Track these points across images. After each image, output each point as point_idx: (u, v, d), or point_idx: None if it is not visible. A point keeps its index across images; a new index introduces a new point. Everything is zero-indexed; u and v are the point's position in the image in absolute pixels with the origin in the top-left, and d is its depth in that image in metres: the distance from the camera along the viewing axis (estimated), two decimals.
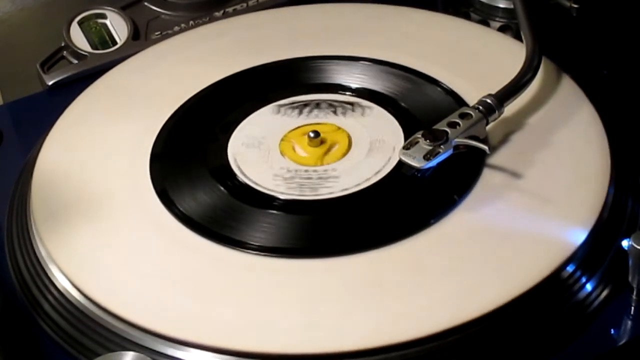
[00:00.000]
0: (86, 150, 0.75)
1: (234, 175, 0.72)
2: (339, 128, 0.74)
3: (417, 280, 0.64)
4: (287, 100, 0.76)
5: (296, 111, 0.76)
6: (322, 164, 0.72)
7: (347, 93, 0.77)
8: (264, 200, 0.70)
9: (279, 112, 0.76)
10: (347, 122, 0.75)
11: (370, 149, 0.72)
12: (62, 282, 0.67)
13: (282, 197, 0.69)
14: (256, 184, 0.70)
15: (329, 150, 0.73)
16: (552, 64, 0.77)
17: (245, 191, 0.70)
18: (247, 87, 0.79)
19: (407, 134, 0.73)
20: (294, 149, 0.73)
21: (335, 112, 0.75)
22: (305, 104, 0.76)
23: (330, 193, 0.69)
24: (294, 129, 0.74)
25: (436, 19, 0.84)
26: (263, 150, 0.73)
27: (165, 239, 0.68)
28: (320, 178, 0.71)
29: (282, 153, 0.73)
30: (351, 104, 0.76)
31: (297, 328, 0.62)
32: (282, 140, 0.74)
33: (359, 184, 0.70)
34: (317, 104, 0.76)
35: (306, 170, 0.71)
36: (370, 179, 0.70)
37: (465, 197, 0.68)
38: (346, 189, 0.70)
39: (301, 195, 0.69)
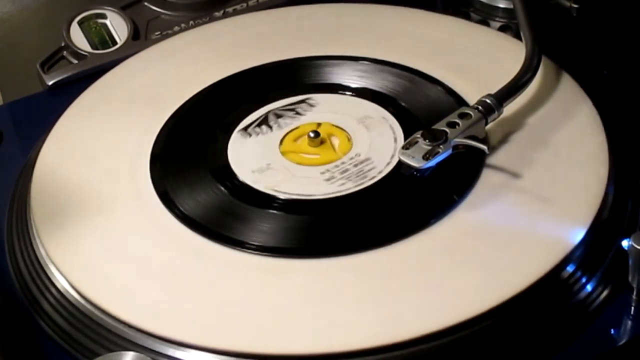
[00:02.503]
0: (86, 151, 0.75)
1: (234, 175, 0.72)
2: (319, 123, 0.74)
3: (417, 280, 0.64)
4: (245, 123, 0.75)
5: (264, 127, 0.75)
6: (343, 156, 0.72)
7: (347, 93, 0.77)
8: (264, 200, 0.69)
9: (250, 135, 0.74)
10: (317, 116, 0.75)
11: (364, 125, 0.73)
12: (61, 282, 0.67)
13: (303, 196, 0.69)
14: (307, 195, 0.69)
15: (332, 143, 0.73)
16: (552, 63, 0.77)
17: (245, 191, 0.70)
18: (247, 87, 0.79)
19: (407, 133, 0.73)
20: (302, 156, 0.73)
21: (297, 113, 0.75)
22: (264, 118, 0.75)
23: (380, 172, 0.70)
24: (281, 141, 0.74)
25: (436, 18, 0.84)
26: (280, 170, 0.72)
27: (165, 239, 0.68)
28: (357, 165, 0.71)
29: (298, 163, 0.72)
30: (300, 102, 0.76)
31: (297, 328, 0.62)
32: (284, 156, 0.73)
33: (389, 162, 0.70)
34: (276, 114, 0.75)
35: (336, 165, 0.71)
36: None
37: (465, 197, 0.68)
38: (389, 164, 0.70)
39: (358, 185, 0.69)
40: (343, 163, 0.72)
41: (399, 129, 0.74)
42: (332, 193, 0.69)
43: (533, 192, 0.68)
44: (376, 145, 0.72)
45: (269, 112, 0.76)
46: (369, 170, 0.71)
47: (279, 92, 0.78)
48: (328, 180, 0.70)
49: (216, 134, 0.75)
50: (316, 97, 0.77)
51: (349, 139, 0.73)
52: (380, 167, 0.71)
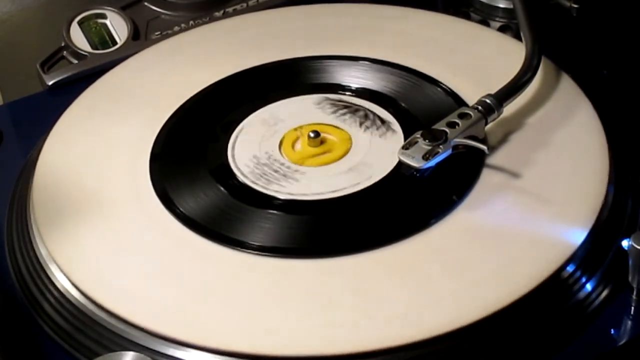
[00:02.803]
0: (86, 151, 0.75)
1: (234, 175, 0.72)
2: (349, 139, 0.74)
3: (417, 281, 0.64)
4: (335, 96, 0.76)
5: (333, 109, 0.75)
6: (301, 164, 0.72)
7: (347, 93, 0.77)
8: (264, 200, 0.70)
9: (319, 103, 0.75)
10: (363, 136, 0.74)
11: (350, 168, 0.72)
12: (62, 282, 0.67)
13: (272, 193, 0.70)
14: (307, 195, 0.69)
15: (322, 154, 0.73)
16: (552, 63, 0.77)
17: (245, 191, 0.70)
18: (247, 87, 0.79)
19: (407, 134, 0.73)
20: (294, 141, 0.73)
21: (361, 124, 0.75)
22: (346, 106, 0.76)
23: (276, 192, 0.70)
24: (311, 124, 0.74)
25: (436, 19, 0.84)
26: (269, 131, 0.73)
27: (165, 239, 0.68)
28: (284, 175, 0.71)
29: (281, 141, 0.73)
30: (384, 122, 0.75)
31: (297, 329, 0.62)
32: (294, 129, 0.74)
33: (305, 194, 0.69)
34: (356, 110, 0.75)
35: (282, 164, 0.72)
36: (323, 194, 0.69)
37: (465, 197, 0.68)
38: (291, 194, 0.69)
39: (253, 183, 0.70)
40: (288, 167, 0.71)
41: (399, 129, 0.74)
42: (333, 193, 0.69)
43: (533, 192, 0.68)
44: (324, 179, 0.71)
45: (356, 105, 0.76)
46: (275, 183, 0.70)
47: (279, 92, 0.78)
48: (258, 163, 0.71)
49: (216, 134, 0.75)
50: (396, 128, 0.75)
51: (326, 163, 0.73)
52: (287, 190, 0.70)
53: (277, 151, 0.73)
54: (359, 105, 0.76)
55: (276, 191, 0.70)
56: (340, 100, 0.76)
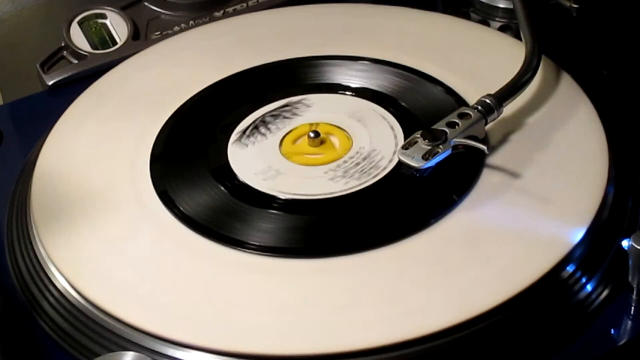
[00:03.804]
0: (86, 151, 0.75)
1: (234, 175, 0.72)
2: (312, 123, 0.74)
3: (416, 280, 0.64)
4: (236, 133, 0.75)
5: (257, 135, 0.75)
6: (346, 152, 0.72)
7: (347, 93, 0.77)
8: (264, 200, 0.69)
9: (246, 145, 0.74)
10: (311, 116, 0.75)
11: (358, 120, 0.73)
12: (61, 282, 0.67)
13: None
14: (307, 195, 0.69)
15: (331, 142, 0.73)
16: (552, 63, 0.77)
17: (245, 191, 0.70)
18: (247, 87, 0.79)
19: (407, 133, 0.73)
20: (306, 157, 0.73)
21: (287, 117, 0.75)
22: (255, 126, 0.75)
23: (390, 161, 0.70)
24: (280, 145, 0.74)
25: (436, 19, 0.84)
26: (289, 173, 0.72)
27: (165, 239, 0.68)
28: (365, 159, 0.71)
29: (306, 164, 0.72)
30: (287, 105, 0.76)
31: (297, 328, 0.62)
32: (286, 159, 0.73)
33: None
34: (263, 121, 0.75)
35: (345, 162, 0.71)
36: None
37: (465, 197, 0.68)
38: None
39: (371, 178, 0.70)
40: (351, 158, 0.72)
41: (399, 129, 0.74)
42: (333, 193, 0.69)
43: (533, 192, 0.68)
44: (376, 137, 0.72)
45: (256, 119, 0.76)
46: (379, 162, 0.71)
47: (279, 93, 0.78)
48: (342, 176, 0.70)
49: (216, 134, 0.75)
50: (301, 98, 0.77)
51: (349, 137, 0.73)
52: (389, 155, 0.71)
53: (277, 153, 0.73)
54: (255, 118, 0.75)
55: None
56: (244, 131, 0.75)
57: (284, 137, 0.74)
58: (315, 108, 0.76)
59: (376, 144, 0.72)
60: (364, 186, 0.70)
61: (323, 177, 0.71)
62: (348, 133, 0.74)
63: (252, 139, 0.74)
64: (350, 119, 0.74)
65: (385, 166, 0.70)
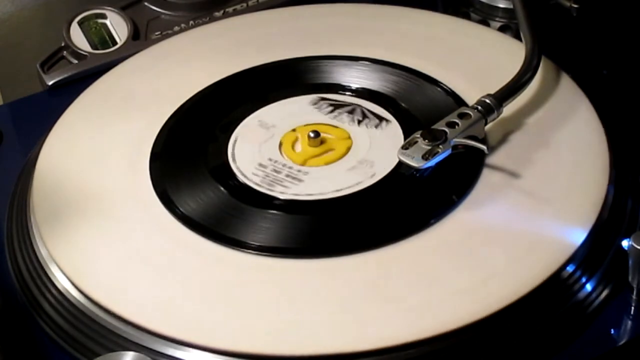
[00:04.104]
0: (86, 150, 0.75)
1: (234, 175, 0.72)
2: (349, 137, 0.74)
3: (417, 280, 0.64)
4: (331, 95, 0.76)
5: (329, 108, 0.75)
6: (304, 164, 0.72)
7: (347, 93, 0.77)
8: (264, 200, 0.70)
9: (315, 103, 0.75)
10: (361, 132, 0.74)
11: (353, 166, 0.72)
12: (62, 282, 0.67)
13: (268, 192, 0.70)
14: (307, 195, 0.69)
15: (323, 153, 0.73)
16: (552, 63, 0.77)
17: (245, 191, 0.70)
18: (247, 87, 0.79)
19: (407, 133, 0.73)
20: (294, 142, 0.73)
21: (359, 122, 0.75)
22: (342, 105, 0.76)
23: (281, 193, 0.69)
24: (309, 124, 0.74)
25: (436, 19, 0.84)
26: (266, 136, 0.72)
27: (165, 239, 0.68)
28: (287, 176, 0.71)
29: (280, 143, 0.73)
30: (380, 119, 0.75)
31: (297, 328, 0.62)
32: (292, 130, 0.74)
33: (310, 194, 0.69)
34: (353, 109, 0.76)
35: (284, 165, 0.71)
36: (326, 194, 0.69)
37: (465, 197, 0.68)
38: (296, 195, 0.69)
39: (257, 185, 0.70)
40: (290, 168, 0.71)
41: (399, 129, 0.74)
42: (332, 193, 0.69)
43: (533, 192, 0.68)
44: (329, 178, 0.71)
45: (353, 104, 0.76)
46: (279, 184, 0.70)
47: (279, 92, 0.78)
48: (260, 166, 0.71)
49: (216, 134, 0.75)
50: (392, 120, 0.75)
51: (329, 162, 0.73)
52: (292, 191, 0.70)
53: (278, 154, 0.73)
54: (354, 103, 0.76)
55: (281, 192, 0.70)
56: (335, 100, 0.76)
57: (319, 123, 0.74)
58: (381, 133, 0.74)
59: (319, 184, 0.71)
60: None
61: (261, 165, 0.71)
62: (345, 130, 0.74)
63: (325, 107, 0.75)
64: (358, 161, 0.73)
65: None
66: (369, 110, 0.75)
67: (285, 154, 0.73)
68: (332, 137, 0.74)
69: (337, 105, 0.76)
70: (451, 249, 0.65)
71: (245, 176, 0.71)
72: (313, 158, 0.72)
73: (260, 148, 0.73)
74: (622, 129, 0.74)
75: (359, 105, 0.76)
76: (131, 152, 0.74)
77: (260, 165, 0.72)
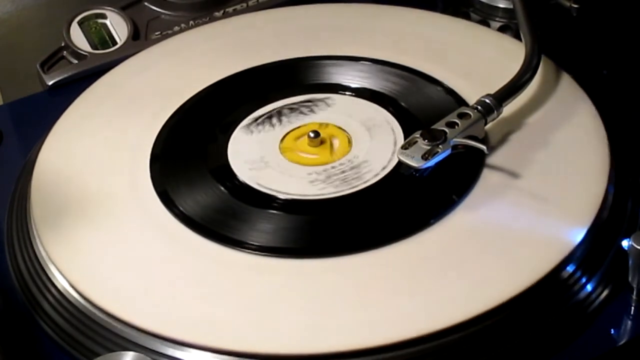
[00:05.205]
0: (86, 150, 0.75)
1: (234, 175, 0.72)
2: (322, 123, 0.74)
3: (416, 280, 0.64)
4: (249, 119, 0.75)
5: (267, 125, 0.75)
6: (340, 158, 0.72)
7: (347, 93, 0.77)
8: (264, 200, 0.70)
9: (252, 132, 0.75)
10: (324, 115, 0.75)
11: (367, 129, 0.73)
12: (61, 282, 0.67)
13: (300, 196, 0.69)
14: (298, 194, 0.69)
15: (332, 145, 0.73)
16: (552, 63, 0.77)
17: (245, 191, 0.70)
18: (247, 87, 0.79)
19: (407, 133, 0.73)
20: (300, 155, 0.73)
21: (303, 112, 0.75)
22: (270, 116, 0.75)
23: (376, 175, 0.70)
24: (282, 139, 0.74)
25: (436, 19, 0.84)
26: (275, 167, 0.72)
27: (165, 239, 0.68)
28: (353, 168, 0.71)
29: (296, 162, 0.72)
30: (309, 101, 0.76)
31: (297, 328, 0.62)
32: (281, 154, 0.73)
33: (385, 166, 0.70)
34: (279, 112, 0.76)
35: (333, 167, 0.71)
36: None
37: (465, 197, 0.68)
38: (384, 168, 0.70)
39: (349, 189, 0.69)
40: (342, 164, 0.71)
41: (399, 129, 0.74)
42: (332, 193, 0.69)
43: (533, 192, 0.68)
44: (375, 150, 0.72)
45: (273, 110, 0.76)
46: (363, 174, 0.70)
47: (279, 92, 0.78)
48: (323, 181, 0.70)
49: (216, 134, 0.75)
50: (324, 96, 0.77)
51: (350, 143, 0.73)
52: (376, 170, 0.70)
53: (277, 151, 0.73)
54: (273, 108, 0.76)
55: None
56: (257, 119, 0.75)
57: (290, 131, 0.74)
58: (335, 109, 0.76)
59: (371, 155, 0.72)
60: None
61: (304, 179, 0.71)
62: (351, 139, 0.74)
63: (260, 127, 0.74)
64: (361, 126, 0.74)
65: (368, 179, 0.70)
66: (292, 104, 0.76)
67: (281, 148, 0.73)
68: (336, 140, 0.74)
69: (266, 119, 0.75)
70: (451, 248, 0.65)
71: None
72: (335, 150, 0.72)
73: (263, 138, 0.73)
74: (623, 129, 0.74)
75: (280, 107, 0.76)
76: (131, 152, 0.74)
77: (314, 181, 0.71)
